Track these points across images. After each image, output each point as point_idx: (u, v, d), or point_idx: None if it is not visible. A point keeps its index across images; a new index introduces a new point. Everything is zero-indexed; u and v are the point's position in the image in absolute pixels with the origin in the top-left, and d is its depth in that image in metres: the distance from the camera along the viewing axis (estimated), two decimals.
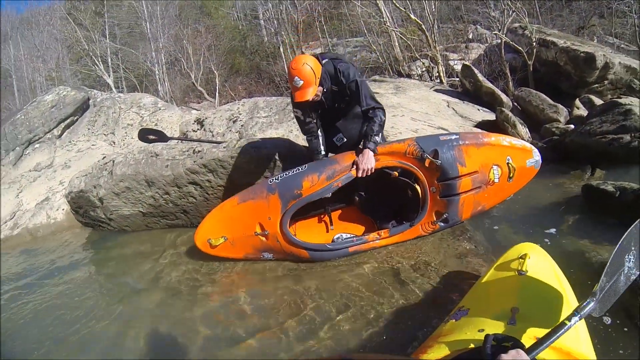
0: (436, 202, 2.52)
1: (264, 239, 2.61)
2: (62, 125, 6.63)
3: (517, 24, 8.36)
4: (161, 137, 4.03)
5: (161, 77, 16.69)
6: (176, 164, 3.45)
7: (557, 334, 1.05)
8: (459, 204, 2.50)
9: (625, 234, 1.27)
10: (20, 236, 4.61)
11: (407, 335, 1.80)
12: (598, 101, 5.02)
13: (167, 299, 2.57)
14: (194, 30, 16.93)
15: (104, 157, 4.20)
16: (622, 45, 9.71)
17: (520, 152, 2.54)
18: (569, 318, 1.09)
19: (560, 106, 4.71)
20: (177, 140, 4.13)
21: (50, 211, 4.81)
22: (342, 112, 2.80)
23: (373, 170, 2.48)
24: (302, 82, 2.42)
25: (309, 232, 2.90)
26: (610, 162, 3.26)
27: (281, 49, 14.44)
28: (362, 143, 2.56)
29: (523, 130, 4.19)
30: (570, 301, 1.48)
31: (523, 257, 1.66)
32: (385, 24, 10.96)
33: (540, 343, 1.03)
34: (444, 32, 13.10)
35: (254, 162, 3.22)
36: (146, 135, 4.06)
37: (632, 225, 1.29)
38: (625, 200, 2.41)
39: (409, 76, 10.04)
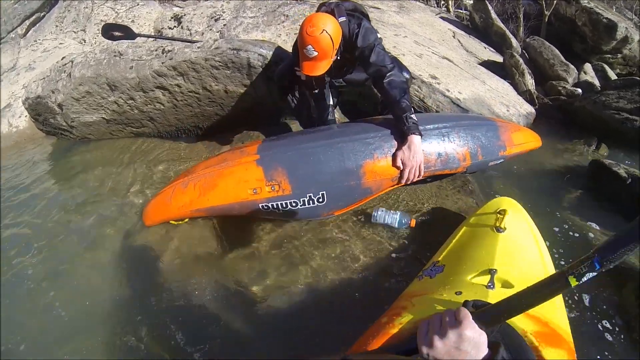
0: None
1: None
2: (27, 22, 5.88)
3: None
4: (128, 33, 3.39)
5: None
6: (142, 65, 2.90)
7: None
8: None
9: None
10: None
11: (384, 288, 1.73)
12: (612, 74, 4.72)
13: (128, 225, 2.35)
14: None
15: (63, 58, 3.60)
16: None
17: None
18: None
19: (571, 66, 4.32)
20: (146, 38, 3.50)
21: (12, 119, 4.30)
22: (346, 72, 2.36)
23: (422, 170, 1.93)
24: (316, 54, 1.88)
25: None
26: (616, 140, 3.03)
27: None
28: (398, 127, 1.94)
29: (530, 81, 3.81)
30: (547, 265, 1.41)
31: (502, 212, 1.53)
32: None
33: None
34: None
35: (233, 67, 2.67)
36: (110, 31, 3.41)
37: None
38: (635, 190, 2.27)
39: None
